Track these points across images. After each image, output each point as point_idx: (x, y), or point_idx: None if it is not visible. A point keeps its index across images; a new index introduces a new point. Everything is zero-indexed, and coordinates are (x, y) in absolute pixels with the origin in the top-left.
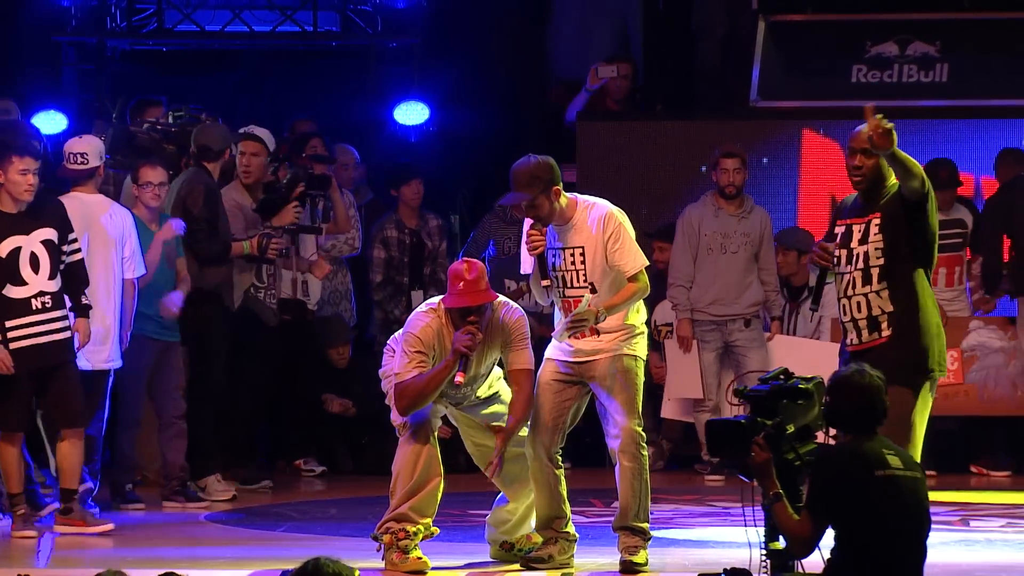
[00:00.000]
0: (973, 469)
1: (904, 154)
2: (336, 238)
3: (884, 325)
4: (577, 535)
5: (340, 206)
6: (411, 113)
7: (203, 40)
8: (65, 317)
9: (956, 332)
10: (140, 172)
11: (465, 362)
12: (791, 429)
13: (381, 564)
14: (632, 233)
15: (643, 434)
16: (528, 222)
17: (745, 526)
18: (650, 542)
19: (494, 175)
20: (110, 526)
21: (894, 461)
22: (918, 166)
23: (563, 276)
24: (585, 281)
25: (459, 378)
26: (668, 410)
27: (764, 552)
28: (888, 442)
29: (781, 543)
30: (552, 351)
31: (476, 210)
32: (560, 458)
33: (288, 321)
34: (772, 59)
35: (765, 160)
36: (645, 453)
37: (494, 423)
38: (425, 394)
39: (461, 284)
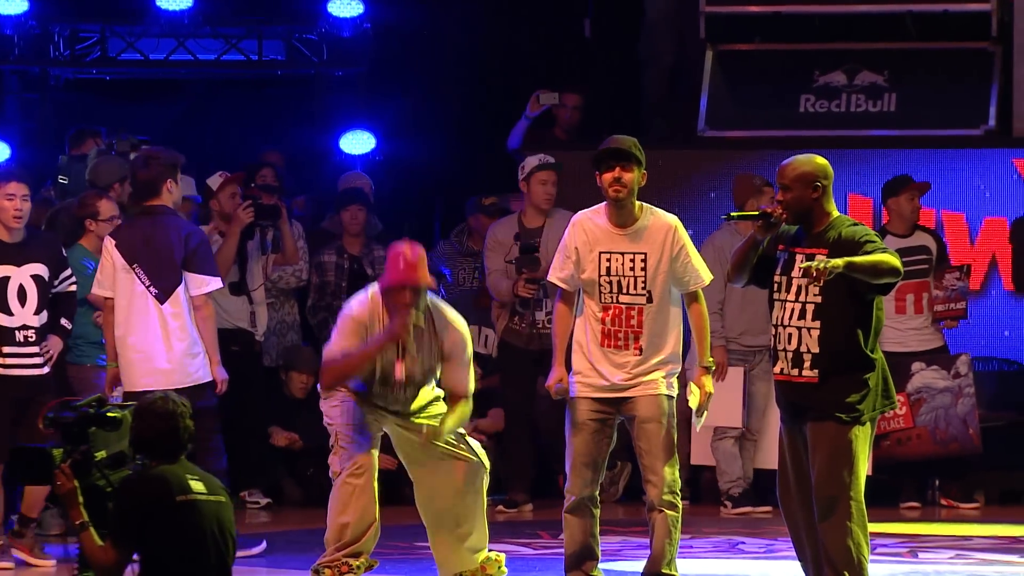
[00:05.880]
0: (943, 502)
1: (863, 261)
2: (283, 270)
3: (807, 365)
4: None
5: (288, 238)
6: (357, 142)
7: (147, 69)
8: (45, 354)
9: (902, 376)
10: (100, 206)
11: (403, 350)
12: (101, 456)
13: None
14: None
15: (679, 479)
16: None
17: None
18: None
19: (441, 205)
20: (51, 561)
21: (197, 486)
22: (882, 262)
23: (617, 281)
24: (643, 288)
25: (399, 370)
26: None
27: None
28: (193, 467)
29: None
30: (580, 388)
31: (423, 240)
32: (598, 497)
33: (235, 351)
34: (720, 89)
35: (712, 194)
36: (680, 500)
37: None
38: (348, 369)
39: (401, 263)
